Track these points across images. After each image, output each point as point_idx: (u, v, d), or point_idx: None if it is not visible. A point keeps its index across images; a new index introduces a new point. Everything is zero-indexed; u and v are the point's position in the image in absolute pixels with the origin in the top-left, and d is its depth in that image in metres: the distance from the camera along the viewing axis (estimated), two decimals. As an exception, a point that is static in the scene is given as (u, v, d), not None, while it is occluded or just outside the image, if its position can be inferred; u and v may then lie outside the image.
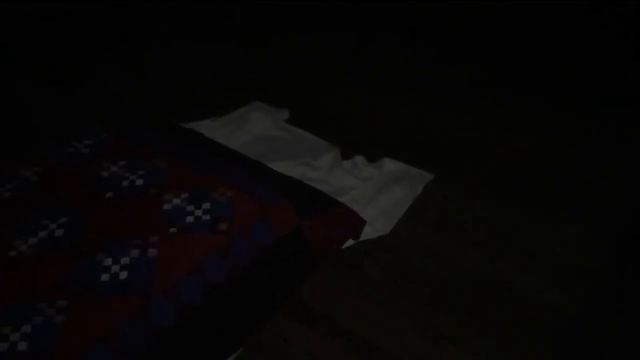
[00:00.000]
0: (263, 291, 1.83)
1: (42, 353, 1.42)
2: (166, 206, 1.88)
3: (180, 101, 2.42)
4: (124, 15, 3.80)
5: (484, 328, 1.77)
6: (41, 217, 1.84)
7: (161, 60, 3.47)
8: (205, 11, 3.95)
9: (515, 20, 3.63)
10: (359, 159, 2.53)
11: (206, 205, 1.87)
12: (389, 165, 2.48)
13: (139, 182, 1.99)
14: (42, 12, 3.57)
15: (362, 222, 2.11)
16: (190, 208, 1.87)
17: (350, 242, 2.12)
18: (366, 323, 1.82)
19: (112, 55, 3.47)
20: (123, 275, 1.63)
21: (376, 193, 2.34)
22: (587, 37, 3.35)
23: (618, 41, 3.29)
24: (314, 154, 2.54)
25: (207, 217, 1.83)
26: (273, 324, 1.84)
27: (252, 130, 2.76)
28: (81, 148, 2.18)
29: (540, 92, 2.98)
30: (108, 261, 1.67)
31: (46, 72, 3.25)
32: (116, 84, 3.15)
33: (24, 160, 2.11)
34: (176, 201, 1.90)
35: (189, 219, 1.83)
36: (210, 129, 2.71)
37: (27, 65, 3.30)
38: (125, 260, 1.67)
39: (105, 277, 1.62)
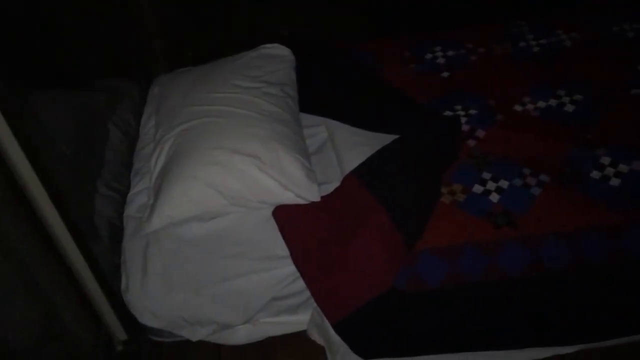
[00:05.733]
0: None
1: (509, 212, 1.44)
2: (697, 132, 1.58)
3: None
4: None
5: None
6: (558, 85, 1.77)
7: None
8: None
9: None
10: None
11: None
12: None
13: (676, 91, 1.70)
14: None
15: None
16: None
17: None
18: None
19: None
20: (615, 182, 1.48)
21: None
22: None
23: None
24: None
25: None
26: None
27: None
28: (627, 30, 1.94)
29: None
30: (605, 160, 1.52)
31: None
32: None
33: (563, 21, 2.02)
34: None
35: None
36: None
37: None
38: (623, 168, 1.50)
39: (595, 174, 1.50)
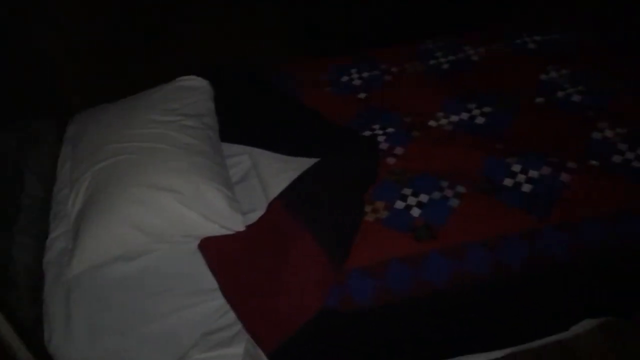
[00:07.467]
0: None
1: (430, 225, 1.49)
2: (595, 135, 1.69)
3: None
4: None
5: None
6: (468, 99, 1.85)
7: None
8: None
9: None
10: None
11: (642, 151, 1.61)
12: None
13: (576, 98, 1.81)
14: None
15: None
16: (622, 147, 1.63)
17: None
18: None
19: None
20: (526, 187, 1.55)
21: None
22: None
23: None
24: None
25: (639, 164, 1.58)
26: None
27: None
28: (528, 42, 2.06)
29: None
30: (516, 167, 1.60)
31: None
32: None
33: (470, 38, 2.12)
34: (609, 133, 1.68)
35: (616, 158, 1.61)
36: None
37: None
38: (533, 173, 1.58)
39: (508, 182, 1.57)
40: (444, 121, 1.80)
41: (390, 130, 1.77)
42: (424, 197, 1.55)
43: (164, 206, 1.44)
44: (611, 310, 1.55)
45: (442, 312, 1.44)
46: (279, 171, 1.69)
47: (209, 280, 1.43)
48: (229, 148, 1.79)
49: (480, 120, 1.78)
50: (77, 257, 1.44)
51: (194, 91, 1.81)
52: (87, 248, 1.43)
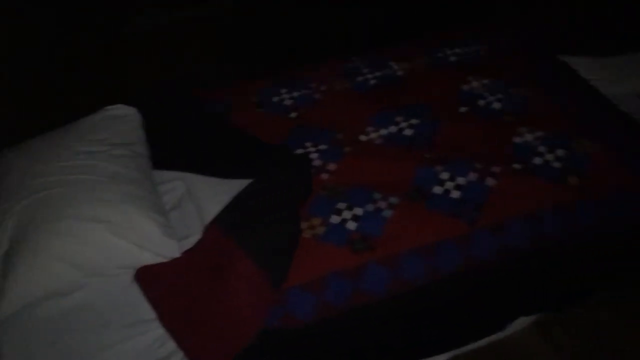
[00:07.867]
0: (591, 264, 1.62)
1: (367, 237, 1.52)
2: (517, 139, 1.76)
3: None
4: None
5: None
6: (396, 113, 1.90)
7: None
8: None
9: None
10: None
11: (560, 152, 1.70)
12: None
13: (496, 105, 1.89)
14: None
15: None
16: (541, 149, 1.72)
17: None
18: None
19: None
20: (455, 194, 1.60)
21: None
22: None
23: None
24: None
25: (558, 165, 1.66)
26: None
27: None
28: (449, 55, 2.15)
29: None
30: (445, 175, 1.65)
31: None
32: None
33: (395, 54, 2.18)
34: (528, 137, 1.76)
35: (537, 160, 1.69)
36: (585, 67, 2.39)
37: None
38: (461, 180, 1.63)
39: (437, 189, 1.62)
40: (374, 135, 1.84)
41: (322, 147, 1.80)
42: (358, 210, 1.58)
43: (95, 238, 1.41)
44: (543, 306, 1.61)
45: (383, 321, 1.46)
46: (214, 195, 1.68)
47: (147, 311, 1.40)
48: (162, 175, 1.77)
49: (408, 132, 1.83)
50: (6, 298, 1.38)
51: (121, 119, 1.79)
52: (17, 288, 1.38)
